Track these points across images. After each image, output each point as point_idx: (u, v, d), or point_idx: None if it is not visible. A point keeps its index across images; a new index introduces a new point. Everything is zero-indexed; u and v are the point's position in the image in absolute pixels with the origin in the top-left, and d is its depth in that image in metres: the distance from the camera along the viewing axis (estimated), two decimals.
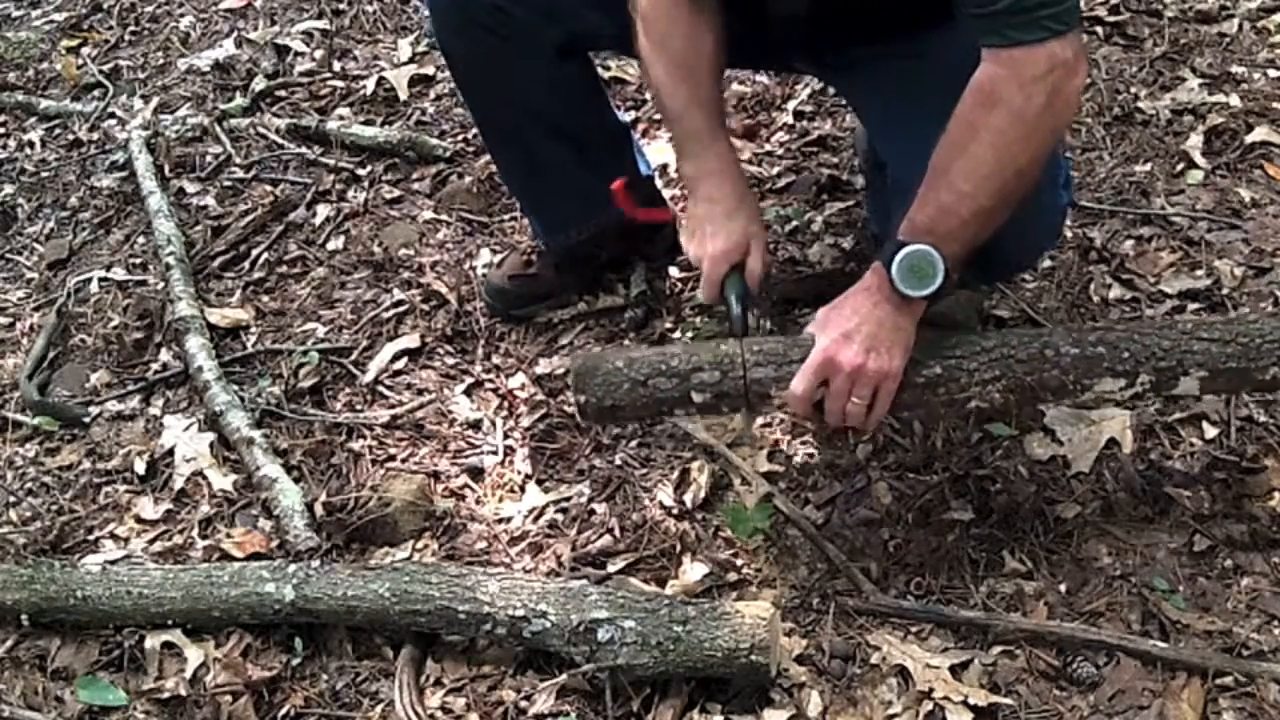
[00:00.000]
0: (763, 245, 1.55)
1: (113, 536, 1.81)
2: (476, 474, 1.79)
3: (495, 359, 1.97)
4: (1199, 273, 1.87)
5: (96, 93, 3.04)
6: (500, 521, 1.71)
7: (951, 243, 1.35)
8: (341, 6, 3.12)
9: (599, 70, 1.96)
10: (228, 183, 2.57)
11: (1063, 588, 1.47)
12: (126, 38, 3.27)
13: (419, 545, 1.69)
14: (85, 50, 3.24)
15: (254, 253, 2.35)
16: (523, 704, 1.45)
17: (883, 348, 1.37)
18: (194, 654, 1.58)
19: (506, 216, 2.28)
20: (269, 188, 2.51)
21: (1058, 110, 1.32)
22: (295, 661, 1.56)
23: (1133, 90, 2.26)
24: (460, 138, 2.53)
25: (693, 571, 1.56)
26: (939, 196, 1.35)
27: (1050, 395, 1.42)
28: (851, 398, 1.37)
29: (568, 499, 1.71)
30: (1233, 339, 1.39)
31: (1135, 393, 1.41)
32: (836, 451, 1.66)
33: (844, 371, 1.36)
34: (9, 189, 2.74)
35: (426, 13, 1.79)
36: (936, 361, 1.40)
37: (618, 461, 1.74)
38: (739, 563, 1.57)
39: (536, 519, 1.70)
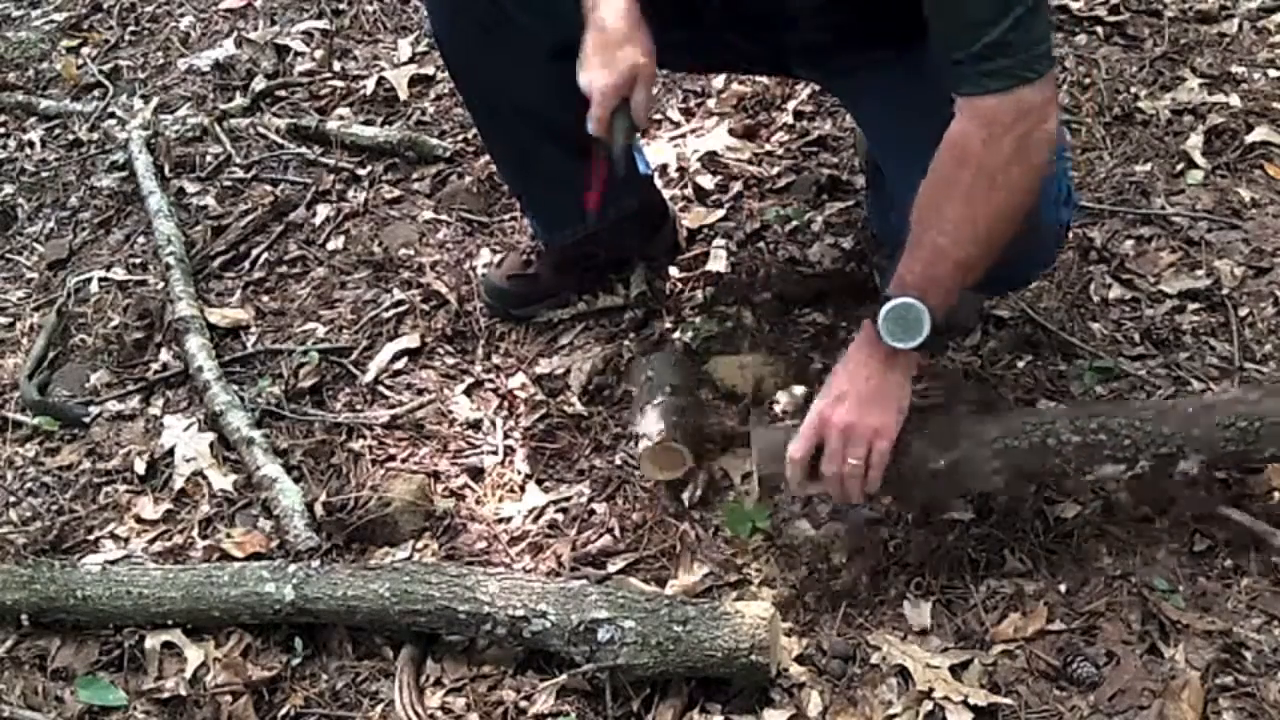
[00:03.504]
0: (649, 80, 1.48)
1: (113, 536, 1.82)
2: (476, 474, 1.79)
3: (495, 359, 1.97)
4: (1199, 273, 1.87)
5: (96, 93, 3.04)
6: (500, 521, 1.71)
7: (937, 295, 1.38)
8: (341, 6, 3.12)
9: None
10: (228, 183, 2.57)
11: (1063, 588, 1.47)
12: (126, 38, 3.27)
13: (419, 545, 1.69)
14: (85, 50, 3.24)
15: (254, 253, 2.35)
16: (523, 704, 1.45)
17: (875, 405, 1.39)
18: (194, 654, 1.58)
19: (506, 216, 2.28)
20: (269, 188, 2.51)
21: (1028, 157, 1.34)
22: (295, 661, 1.56)
23: (1133, 90, 2.26)
24: (460, 138, 2.53)
25: (693, 571, 1.56)
26: (921, 253, 1.38)
27: (1053, 481, 1.48)
28: (848, 459, 1.39)
29: (568, 499, 1.71)
30: (1232, 423, 1.42)
31: (1135, 474, 1.44)
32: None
33: (836, 430, 1.38)
34: (9, 189, 2.74)
35: (425, 12, 1.79)
36: (942, 455, 1.44)
37: (618, 461, 1.74)
38: (739, 563, 1.57)
39: (536, 519, 1.70)
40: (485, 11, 1.65)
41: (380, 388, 1.97)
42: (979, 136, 1.33)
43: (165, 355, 2.14)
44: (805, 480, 1.43)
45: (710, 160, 2.26)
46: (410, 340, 2.03)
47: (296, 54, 2.97)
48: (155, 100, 2.90)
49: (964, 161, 1.34)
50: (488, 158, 2.30)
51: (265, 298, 2.24)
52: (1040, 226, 1.44)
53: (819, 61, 1.70)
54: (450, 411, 1.89)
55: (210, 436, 1.93)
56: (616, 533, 1.64)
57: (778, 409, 1.74)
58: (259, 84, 2.84)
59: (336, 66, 2.87)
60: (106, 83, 3.03)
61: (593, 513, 1.68)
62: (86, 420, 2.04)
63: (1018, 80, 1.30)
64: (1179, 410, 1.46)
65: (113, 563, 1.72)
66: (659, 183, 2.11)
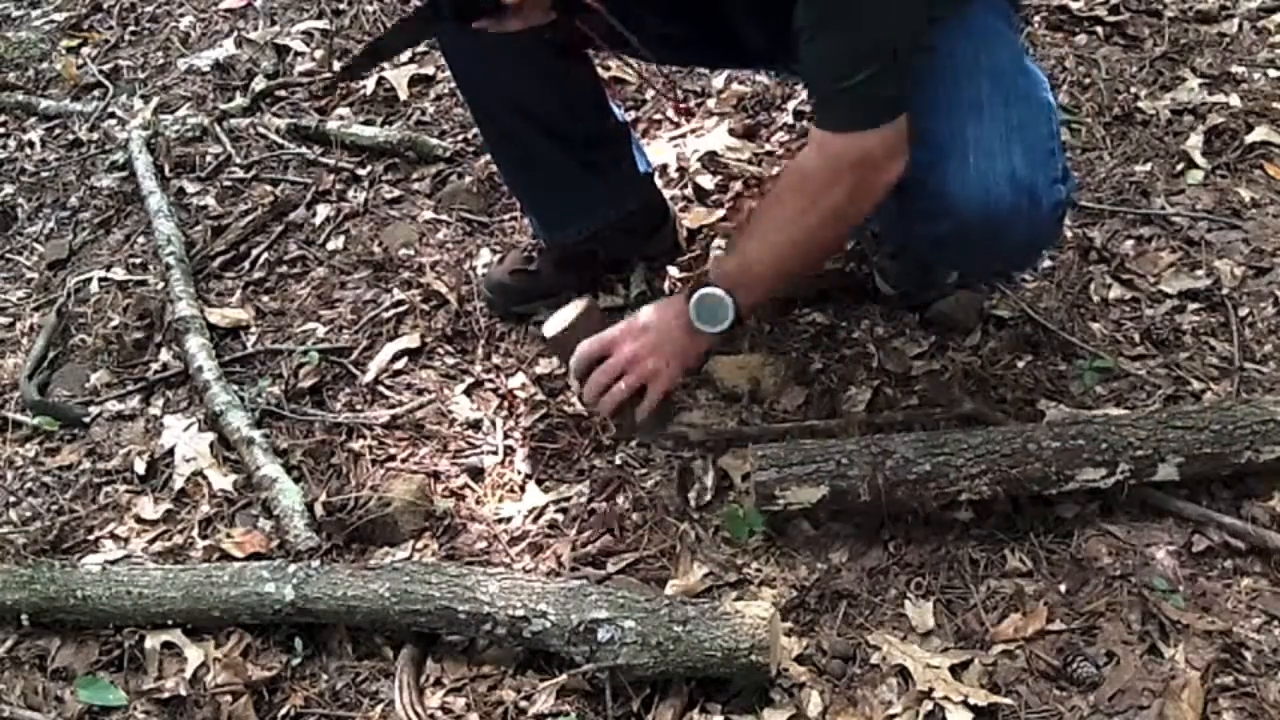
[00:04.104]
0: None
1: (113, 536, 1.81)
2: (476, 474, 1.79)
3: (495, 359, 1.97)
4: (1199, 273, 1.87)
5: (96, 93, 3.04)
6: (500, 521, 1.71)
7: (748, 294, 1.53)
8: (341, 6, 3.12)
9: (599, 69, 1.96)
10: (228, 183, 2.57)
11: (1063, 588, 1.47)
12: (126, 38, 3.27)
13: (419, 545, 1.69)
14: (85, 50, 3.24)
15: (254, 253, 2.35)
16: (523, 704, 1.45)
17: (664, 356, 1.56)
18: (194, 654, 1.58)
19: (506, 216, 2.28)
20: (269, 188, 2.51)
21: (857, 202, 1.45)
22: (295, 661, 1.56)
23: (1133, 90, 2.26)
24: (460, 138, 2.53)
25: (693, 571, 1.56)
26: (746, 248, 1.54)
27: (1035, 486, 1.50)
28: (619, 383, 1.55)
29: (568, 499, 1.71)
30: (1206, 426, 1.48)
31: (1117, 480, 1.49)
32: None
33: (622, 354, 1.55)
34: (9, 189, 2.74)
35: None
36: (926, 459, 1.49)
37: (618, 461, 1.74)
38: (739, 563, 1.57)
39: (536, 519, 1.70)
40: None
41: (380, 388, 1.97)
42: (822, 171, 1.44)
43: (165, 355, 2.14)
44: (581, 372, 1.58)
45: (710, 160, 2.26)
46: (410, 340, 2.03)
47: (296, 54, 2.97)
48: (155, 100, 2.90)
49: (802, 190, 1.46)
50: (488, 158, 2.31)
51: (265, 298, 2.24)
52: (1039, 206, 1.44)
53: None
54: (450, 411, 1.89)
55: (210, 436, 1.93)
56: (616, 533, 1.64)
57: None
58: (259, 84, 2.84)
59: (336, 66, 2.87)
60: (106, 83, 3.03)
61: (593, 513, 1.68)
62: (86, 420, 2.04)
63: (865, 125, 1.38)
64: (1155, 416, 1.51)
65: (113, 563, 1.72)
66: (659, 182, 2.11)
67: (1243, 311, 1.80)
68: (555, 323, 1.63)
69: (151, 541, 1.79)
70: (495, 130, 1.91)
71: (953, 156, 1.41)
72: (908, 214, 1.52)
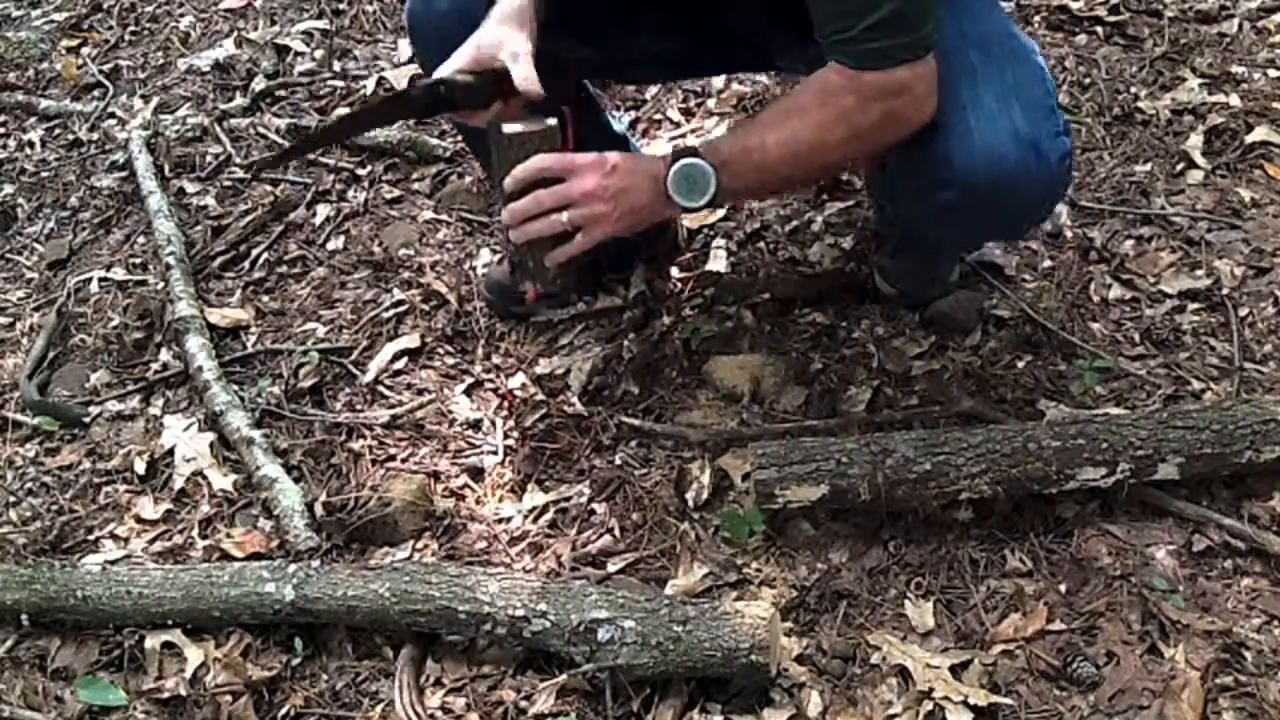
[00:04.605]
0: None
1: (113, 536, 1.81)
2: (476, 474, 1.79)
3: (495, 359, 1.97)
4: (1199, 273, 1.87)
5: (96, 93, 3.04)
6: (500, 521, 1.71)
7: (735, 180, 1.43)
8: (341, 6, 3.12)
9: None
10: (228, 183, 2.57)
11: (1063, 588, 1.47)
12: (126, 38, 3.27)
13: (419, 545, 1.69)
14: (85, 50, 3.24)
15: (254, 253, 2.35)
16: (523, 704, 1.45)
17: (623, 206, 1.44)
18: (194, 654, 1.58)
19: None
20: (269, 188, 2.51)
21: (889, 132, 1.40)
22: (295, 661, 1.56)
23: (1133, 90, 2.26)
24: (460, 138, 2.53)
25: (693, 571, 1.56)
26: (748, 141, 1.43)
27: (1036, 485, 1.50)
28: (560, 214, 1.44)
29: (568, 499, 1.71)
30: (1206, 426, 1.48)
31: (1117, 480, 1.49)
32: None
33: (579, 185, 1.43)
34: (9, 189, 2.74)
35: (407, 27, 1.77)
36: (926, 458, 1.48)
37: (618, 461, 1.74)
38: (739, 563, 1.57)
39: (536, 519, 1.70)
40: (468, 32, 1.57)
41: (380, 388, 1.97)
42: (851, 95, 1.37)
43: (165, 355, 2.14)
44: (523, 184, 1.45)
45: None
46: (410, 340, 2.03)
47: (296, 54, 2.97)
48: (155, 100, 2.90)
49: (827, 104, 1.38)
50: None
51: (265, 298, 2.25)
52: (1048, 160, 1.43)
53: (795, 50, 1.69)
54: (450, 411, 1.89)
55: (210, 436, 1.93)
56: (616, 533, 1.64)
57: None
58: (259, 84, 2.84)
59: (336, 66, 2.87)
60: (106, 83, 3.04)
61: (593, 513, 1.68)
62: (86, 420, 2.04)
63: (894, 61, 1.34)
64: (1156, 416, 1.51)
65: (113, 563, 1.72)
66: None
67: (1243, 311, 1.80)
68: (517, 126, 1.48)
69: (151, 541, 1.79)
70: (484, 148, 1.88)
71: (953, 122, 1.41)
72: (913, 191, 1.51)
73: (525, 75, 1.47)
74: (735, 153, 1.44)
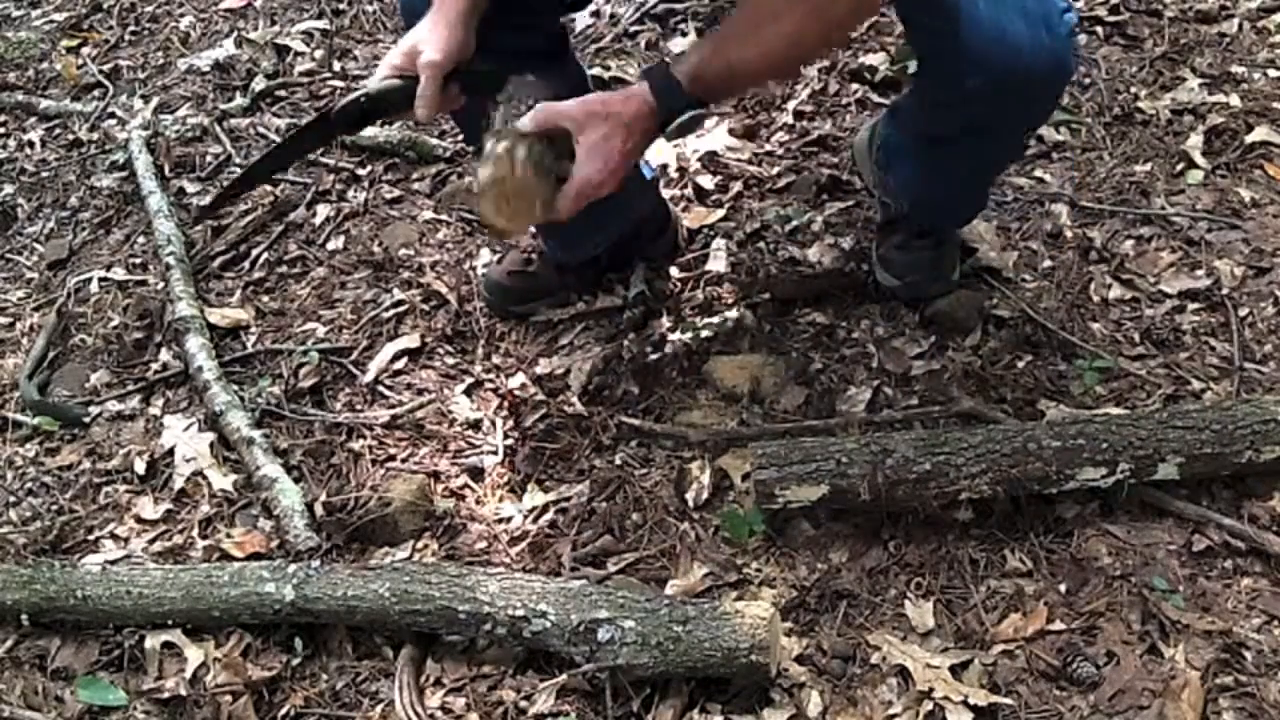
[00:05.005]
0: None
1: (113, 536, 1.81)
2: (476, 474, 1.79)
3: (495, 359, 1.97)
4: (1199, 273, 1.87)
5: (96, 93, 3.04)
6: (500, 521, 1.71)
7: (721, 100, 1.47)
8: (341, 6, 3.12)
9: (597, 71, 1.96)
10: (228, 183, 2.57)
11: (1063, 588, 1.47)
12: (126, 38, 3.27)
13: (419, 545, 1.69)
14: (85, 50, 3.24)
15: (254, 253, 2.35)
16: (523, 704, 1.45)
17: (625, 170, 1.42)
18: (194, 654, 1.58)
19: None
20: (269, 188, 2.51)
21: (859, 17, 1.43)
22: (295, 661, 1.56)
23: (1133, 90, 2.26)
24: (460, 138, 2.52)
25: (693, 571, 1.56)
26: (729, 55, 1.39)
27: (1036, 485, 1.50)
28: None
29: (568, 499, 1.71)
30: (1206, 426, 1.48)
31: (1117, 480, 1.49)
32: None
33: (601, 187, 1.40)
34: (9, 189, 2.74)
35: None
36: (926, 458, 1.49)
37: (618, 461, 1.74)
38: (739, 563, 1.57)
39: (536, 519, 1.70)
40: None
41: (380, 388, 1.97)
42: None
43: (165, 355, 2.14)
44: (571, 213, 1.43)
45: (710, 160, 2.26)
46: (410, 340, 2.03)
47: (296, 54, 2.97)
48: (155, 100, 2.90)
49: (796, 3, 1.35)
50: None
51: (265, 298, 2.24)
52: (1059, 34, 1.46)
53: None
54: (450, 411, 1.89)
55: (210, 436, 1.93)
56: (616, 533, 1.64)
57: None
58: (259, 84, 2.83)
59: (336, 66, 2.87)
60: (106, 83, 3.03)
61: (593, 513, 1.68)
62: (86, 420, 2.04)
63: None
64: (1156, 416, 1.51)
65: (113, 563, 1.72)
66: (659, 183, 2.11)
67: (1243, 311, 1.80)
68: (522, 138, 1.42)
69: (151, 541, 1.79)
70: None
71: (963, 12, 1.43)
72: (932, 90, 1.53)
73: (421, 94, 1.50)
74: (720, 76, 1.40)
